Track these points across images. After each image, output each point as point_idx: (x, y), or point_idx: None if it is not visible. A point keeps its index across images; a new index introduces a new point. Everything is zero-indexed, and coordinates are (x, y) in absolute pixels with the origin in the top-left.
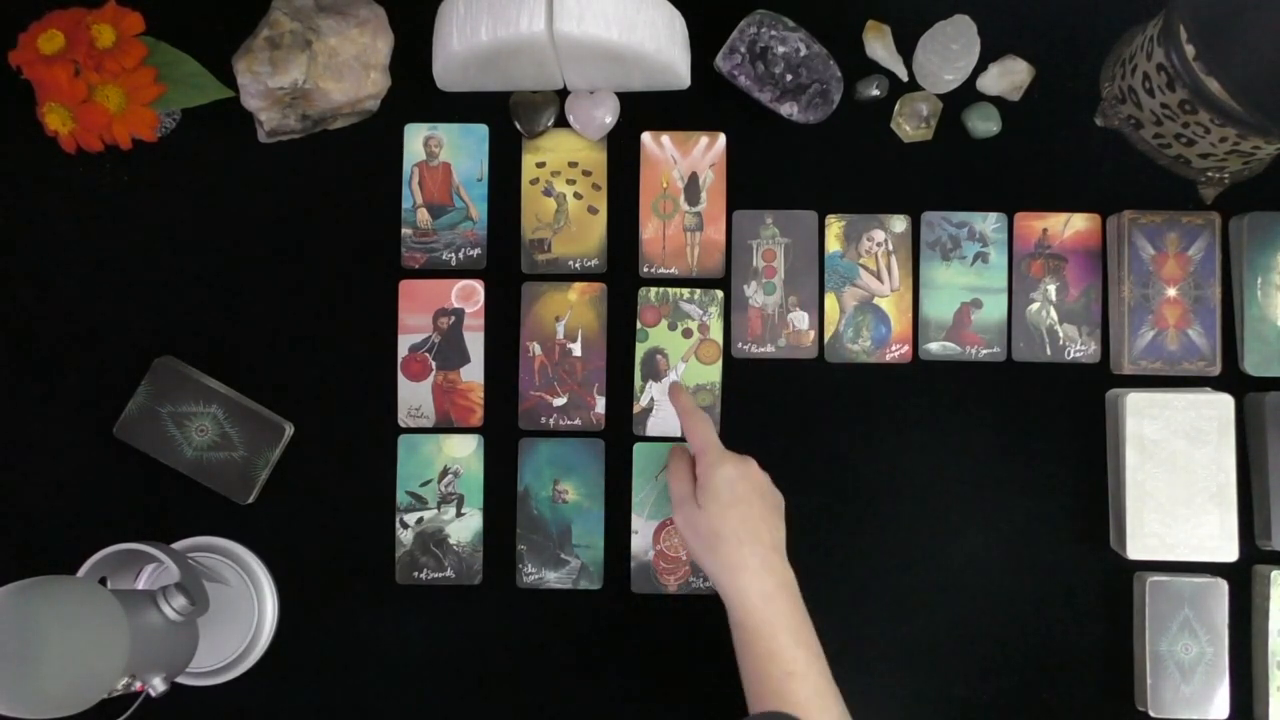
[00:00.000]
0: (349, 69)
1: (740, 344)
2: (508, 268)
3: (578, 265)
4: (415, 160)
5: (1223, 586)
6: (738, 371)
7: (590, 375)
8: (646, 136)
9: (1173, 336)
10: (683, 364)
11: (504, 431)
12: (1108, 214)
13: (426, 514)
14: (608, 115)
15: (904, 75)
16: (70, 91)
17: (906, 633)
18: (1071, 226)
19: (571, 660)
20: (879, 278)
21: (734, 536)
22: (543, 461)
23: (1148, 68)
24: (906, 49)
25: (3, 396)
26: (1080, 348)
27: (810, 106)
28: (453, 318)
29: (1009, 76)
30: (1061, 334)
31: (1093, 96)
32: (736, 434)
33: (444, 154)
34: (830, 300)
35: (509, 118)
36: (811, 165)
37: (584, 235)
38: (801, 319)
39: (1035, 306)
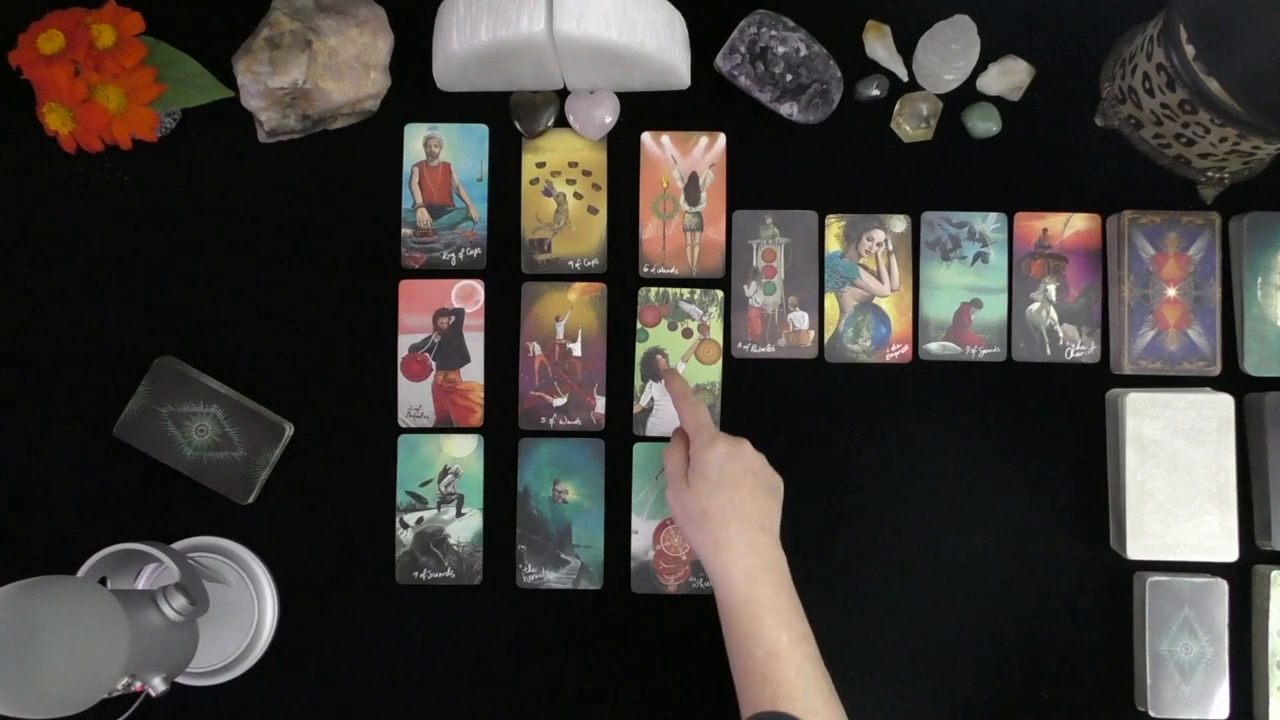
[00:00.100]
0: (349, 69)
1: (740, 344)
2: (508, 268)
3: (578, 265)
4: (415, 160)
5: (1223, 586)
6: (738, 371)
7: (590, 375)
8: (646, 136)
9: (1173, 336)
10: (683, 364)
11: (504, 431)
12: (1108, 214)
13: (426, 514)
14: (608, 115)
15: (904, 75)
16: (70, 91)
17: (906, 632)
18: (1071, 226)
19: (571, 660)
20: (879, 278)
21: (721, 515)
22: (543, 461)
23: (1148, 68)
24: (906, 49)
25: (3, 396)
26: (1080, 348)
27: (810, 106)
28: (453, 318)
29: (1009, 76)
30: (1061, 334)
31: (1093, 96)
32: (736, 434)
33: (444, 154)
34: (830, 300)
35: (509, 118)
36: (811, 165)
37: (584, 235)
38: (801, 319)
39: (1035, 306)
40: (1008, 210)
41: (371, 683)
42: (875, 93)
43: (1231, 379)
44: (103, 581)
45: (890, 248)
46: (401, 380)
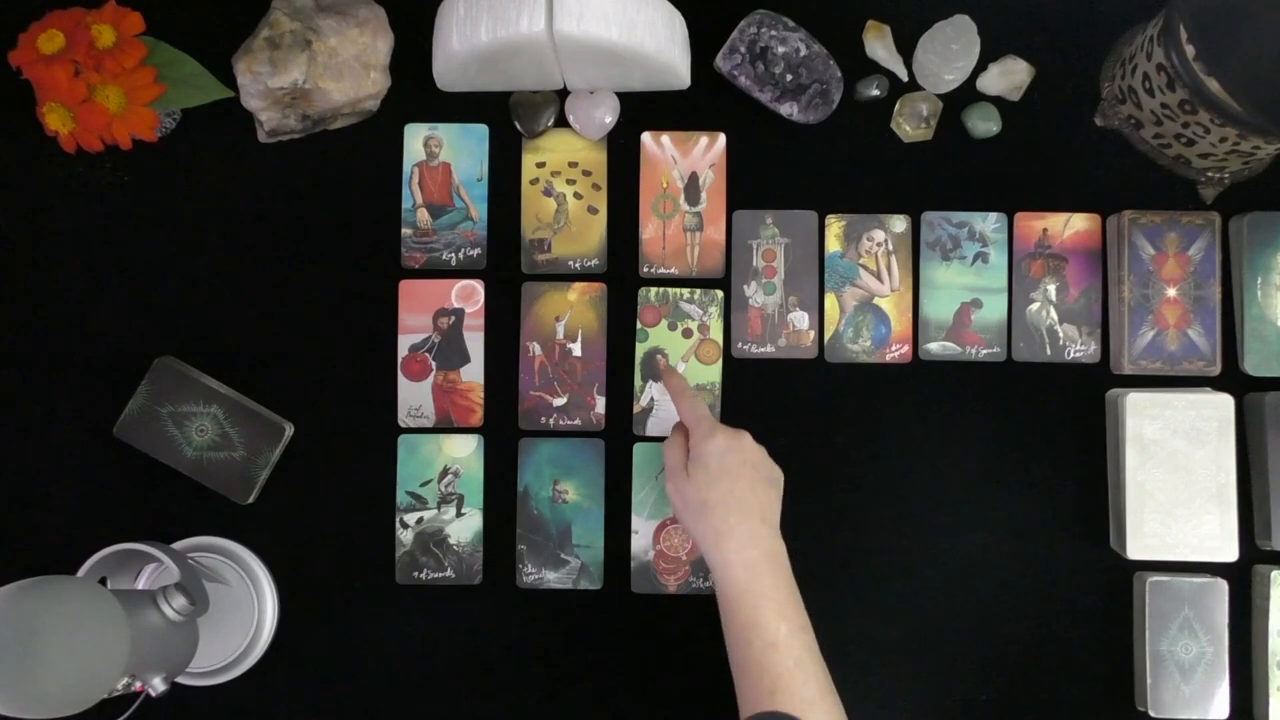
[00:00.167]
0: (349, 69)
1: (740, 344)
2: (508, 268)
3: (578, 265)
4: (415, 160)
5: (1223, 586)
6: (738, 371)
7: (590, 375)
8: (646, 136)
9: (1173, 336)
10: (683, 364)
11: (504, 431)
12: (1108, 214)
13: (426, 514)
14: (608, 115)
15: (904, 75)
16: (70, 91)
17: (906, 632)
18: (1071, 226)
19: (571, 660)
20: (879, 278)
21: (720, 505)
22: (543, 461)
23: (1148, 68)
24: (906, 49)
25: (3, 396)
26: (1080, 348)
27: (810, 106)
28: (453, 318)
29: (1009, 76)
30: (1061, 334)
31: (1093, 96)
32: None
33: (444, 154)
34: (830, 300)
35: (509, 118)
36: (811, 165)
37: (584, 235)
38: (801, 319)
39: (1035, 306)
40: (1008, 210)
41: (371, 683)
42: (875, 93)
43: (1231, 379)
44: (103, 581)
45: (890, 248)
46: (401, 380)
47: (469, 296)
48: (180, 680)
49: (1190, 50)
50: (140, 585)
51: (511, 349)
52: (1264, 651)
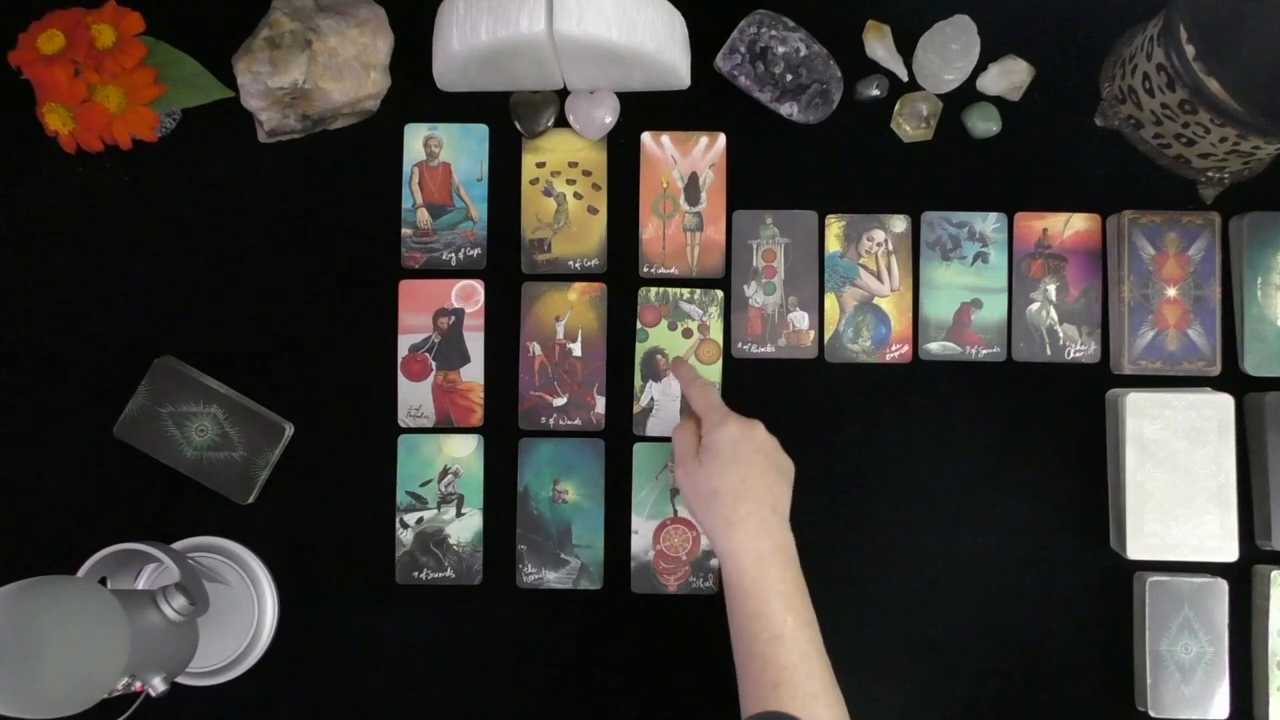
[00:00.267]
0: (349, 69)
1: (740, 344)
2: (508, 268)
3: (578, 265)
4: (415, 160)
5: (1223, 586)
6: (738, 371)
7: (590, 375)
8: (646, 136)
9: (1173, 336)
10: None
11: (504, 431)
12: (1108, 214)
13: (426, 514)
14: (608, 115)
15: (904, 75)
16: (70, 91)
17: (906, 633)
18: (1071, 226)
19: (571, 660)
20: (879, 278)
21: (731, 494)
22: (543, 461)
23: (1148, 68)
24: (906, 49)
25: (3, 396)
26: (1080, 348)
27: (810, 106)
28: (453, 318)
29: (1009, 76)
30: (1061, 334)
31: (1093, 96)
32: None
33: (444, 154)
34: (830, 300)
35: (509, 118)
36: (811, 165)
37: (584, 235)
38: (801, 319)
39: (1035, 306)
40: (1008, 210)
41: (371, 683)
42: (875, 93)
43: (1231, 379)
44: (103, 581)
45: (890, 248)
46: (401, 380)
47: (469, 296)
48: (180, 680)
49: (1190, 50)
50: (140, 585)
51: (511, 349)
52: (1264, 651)
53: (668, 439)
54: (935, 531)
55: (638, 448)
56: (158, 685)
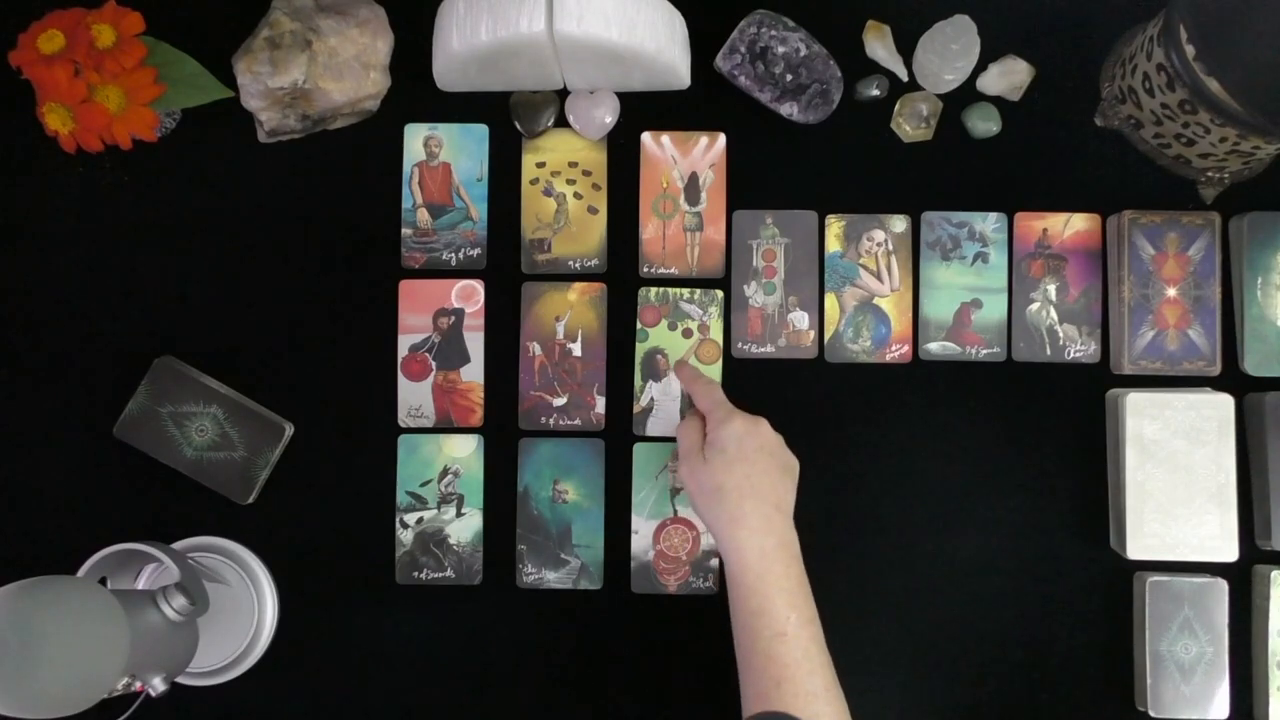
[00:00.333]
0: (349, 69)
1: (740, 344)
2: (508, 268)
3: (578, 265)
4: (415, 160)
5: (1223, 586)
6: (738, 371)
7: (590, 375)
8: (646, 136)
9: (1173, 336)
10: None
11: (504, 431)
12: (1108, 214)
13: (426, 514)
14: (608, 115)
15: (904, 75)
16: (70, 91)
17: (907, 633)
18: (1071, 226)
19: (571, 660)
20: (879, 278)
21: (736, 491)
22: (543, 461)
23: (1148, 68)
24: (906, 49)
25: (3, 396)
26: (1080, 348)
27: (810, 106)
28: (453, 318)
29: (1009, 76)
30: (1061, 334)
31: (1093, 96)
32: None
33: (444, 154)
34: (830, 300)
35: (509, 118)
36: (811, 165)
37: (584, 235)
38: (801, 319)
39: (1035, 306)
40: (1008, 210)
41: (371, 683)
42: (875, 93)
43: (1231, 379)
44: (103, 581)
45: (890, 248)
46: (401, 380)
47: (469, 296)
48: (180, 680)
49: (1190, 50)
50: (140, 585)
51: (511, 349)
52: (1264, 651)
53: (668, 439)
54: (935, 531)
55: (638, 448)
56: (158, 685)
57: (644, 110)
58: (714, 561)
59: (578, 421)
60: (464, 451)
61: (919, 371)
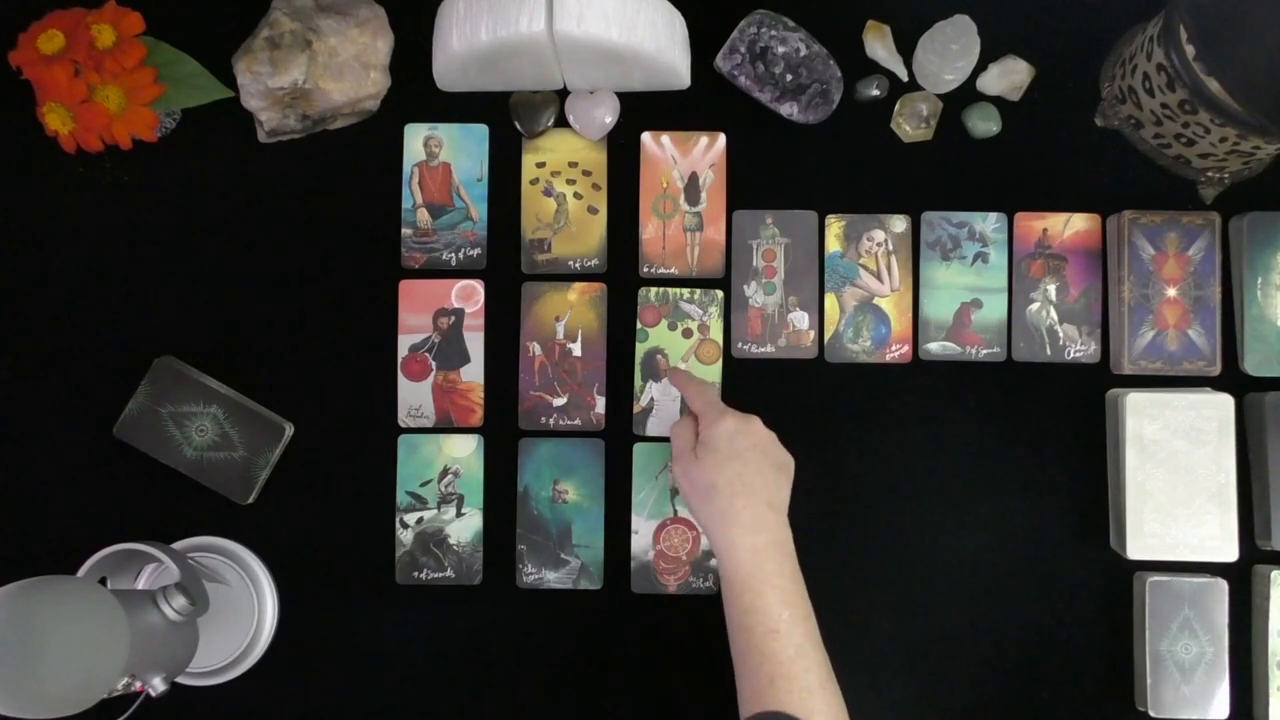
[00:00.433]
0: (349, 69)
1: (740, 344)
2: (508, 268)
3: (578, 265)
4: (415, 160)
5: (1223, 586)
6: (738, 371)
7: (590, 375)
8: (646, 136)
9: (1173, 336)
10: (683, 364)
11: (504, 431)
12: (1108, 214)
13: (426, 514)
14: (608, 115)
15: (904, 75)
16: (70, 91)
17: (906, 633)
18: (1071, 226)
19: (571, 660)
20: (879, 278)
21: (728, 489)
22: (543, 461)
23: (1148, 68)
24: (906, 49)
25: (3, 396)
26: (1080, 348)
27: (810, 106)
28: (453, 318)
29: (1009, 76)
30: (1061, 334)
31: (1093, 96)
32: None
33: (444, 154)
34: (830, 300)
35: (509, 118)
36: (811, 165)
37: (584, 235)
38: (801, 319)
39: (1035, 306)
40: (1008, 210)
41: (371, 683)
42: (875, 93)
43: (1231, 379)
44: (103, 581)
45: (890, 248)
46: (401, 380)
47: (469, 296)
48: (180, 680)
49: (1190, 50)
50: (140, 585)
51: (511, 349)
52: (1264, 651)
53: (668, 439)
54: (935, 531)
55: (638, 448)
56: (158, 685)
57: (644, 110)
58: (714, 562)
59: (578, 421)
60: (464, 451)
61: (919, 371)
